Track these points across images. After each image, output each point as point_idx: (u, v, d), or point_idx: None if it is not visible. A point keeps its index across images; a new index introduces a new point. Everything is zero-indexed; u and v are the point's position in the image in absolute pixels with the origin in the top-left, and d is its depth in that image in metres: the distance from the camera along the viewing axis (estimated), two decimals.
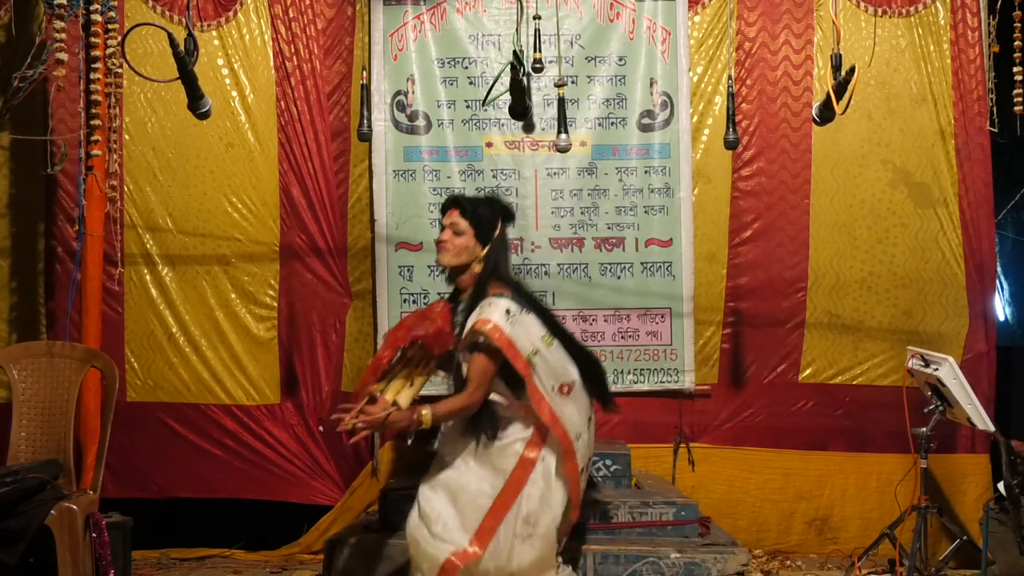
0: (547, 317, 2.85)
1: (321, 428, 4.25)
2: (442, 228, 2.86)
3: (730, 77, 3.97)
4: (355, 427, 2.63)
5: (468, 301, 2.80)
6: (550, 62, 3.55)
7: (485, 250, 2.81)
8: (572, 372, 2.82)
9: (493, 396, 2.77)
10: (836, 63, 3.35)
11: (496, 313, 2.70)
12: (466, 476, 2.74)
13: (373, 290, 4.27)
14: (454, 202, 2.86)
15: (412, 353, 2.80)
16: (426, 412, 2.67)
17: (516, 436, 2.76)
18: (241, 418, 4.22)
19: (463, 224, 2.80)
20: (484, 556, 2.66)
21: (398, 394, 2.72)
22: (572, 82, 4.28)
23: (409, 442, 2.81)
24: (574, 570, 3.08)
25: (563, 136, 3.55)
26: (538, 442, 2.76)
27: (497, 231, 2.84)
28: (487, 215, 2.83)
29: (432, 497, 2.75)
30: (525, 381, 2.71)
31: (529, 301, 2.82)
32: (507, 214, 2.91)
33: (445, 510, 2.72)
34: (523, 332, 2.72)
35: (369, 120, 4.01)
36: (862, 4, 4.27)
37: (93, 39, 3.47)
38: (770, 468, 4.26)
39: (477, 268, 2.81)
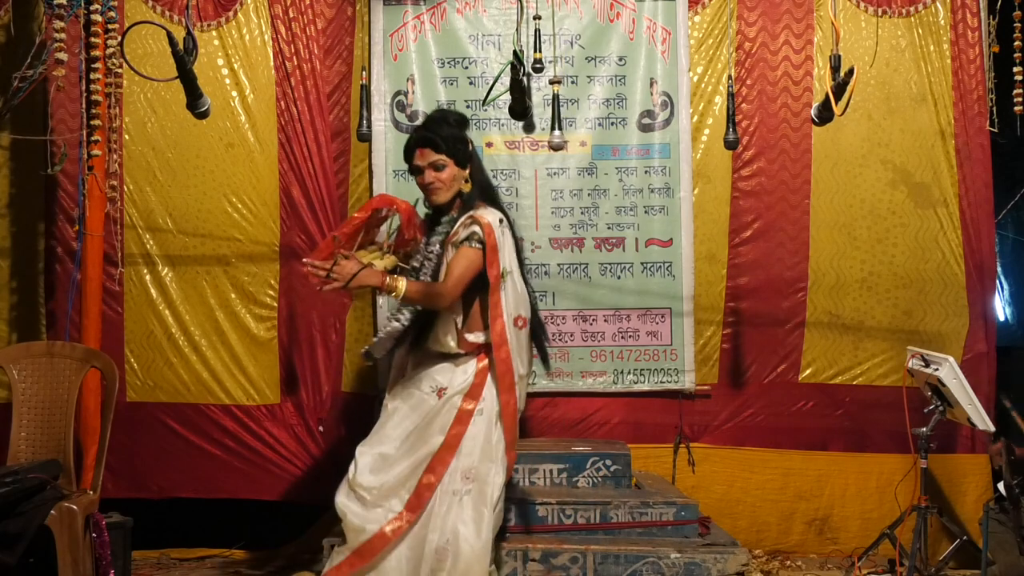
0: (520, 251, 2.85)
1: (321, 428, 4.26)
2: (418, 171, 2.77)
3: (730, 77, 3.97)
4: (328, 275, 2.54)
5: (455, 216, 2.76)
6: (549, 62, 3.55)
7: (468, 169, 2.79)
8: (528, 310, 2.79)
9: (456, 317, 2.72)
10: (835, 64, 3.35)
11: (492, 217, 2.70)
12: (408, 435, 2.68)
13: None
14: (421, 141, 2.75)
15: (385, 240, 2.82)
16: (402, 282, 2.61)
17: (456, 388, 2.71)
18: (241, 418, 4.22)
19: (441, 157, 2.74)
20: (418, 522, 2.60)
21: (371, 259, 2.70)
22: (572, 82, 4.29)
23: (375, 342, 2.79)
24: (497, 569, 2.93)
25: (556, 133, 3.54)
26: (476, 394, 2.70)
27: (469, 144, 2.80)
28: (453, 135, 2.76)
29: (366, 464, 2.68)
30: (491, 292, 2.66)
31: (512, 227, 2.80)
32: (464, 121, 2.84)
33: (381, 476, 2.65)
34: (507, 247, 2.71)
35: (369, 120, 4.01)
36: (862, 4, 4.27)
37: (93, 39, 3.46)
38: (770, 468, 4.26)
39: (466, 188, 2.79)
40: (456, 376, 2.74)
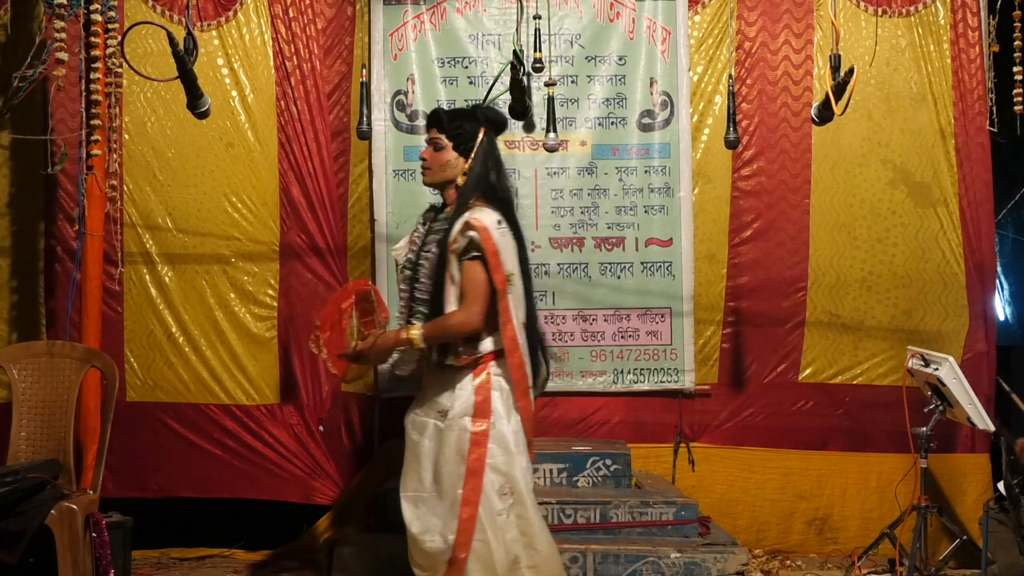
0: (523, 251, 2.76)
1: (321, 428, 4.25)
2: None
3: (730, 77, 3.97)
4: (355, 353, 2.71)
5: (451, 215, 2.72)
6: (549, 62, 3.55)
7: (468, 163, 2.75)
8: (523, 313, 2.73)
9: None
10: (835, 64, 3.35)
11: (487, 218, 2.63)
12: (435, 470, 2.65)
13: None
14: (433, 117, 2.78)
15: (365, 306, 2.84)
16: (415, 331, 2.62)
17: (458, 411, 2.64)
18: (241, 418, 4.22)
19: (441, 137, 2.73)
20: (472, 555, 2.56)
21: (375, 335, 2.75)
22: (572, 82, 4.29)
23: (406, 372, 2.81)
24: None
25: (552, 135, 3.55)
26: (484, 411, 2.63)
27: (478, 141, 2.75)
28: (466, 127, 2.75)
29: (413, 515, 2.67)
30: (499, 298, 2.60)
31: (515, 227, 2.73)
32: (493, 122, 2.81)
33: (429, 522, 2.64)
34: (509, 248, 2.65)
35: (369, 118, 4.01)
36: (862, 4, 4.27)
37: (93, 39, 3.46)
38: (770, 468, 4.26)
39: (460, 181, 2.74)
40: (456, 399, 2.66)
